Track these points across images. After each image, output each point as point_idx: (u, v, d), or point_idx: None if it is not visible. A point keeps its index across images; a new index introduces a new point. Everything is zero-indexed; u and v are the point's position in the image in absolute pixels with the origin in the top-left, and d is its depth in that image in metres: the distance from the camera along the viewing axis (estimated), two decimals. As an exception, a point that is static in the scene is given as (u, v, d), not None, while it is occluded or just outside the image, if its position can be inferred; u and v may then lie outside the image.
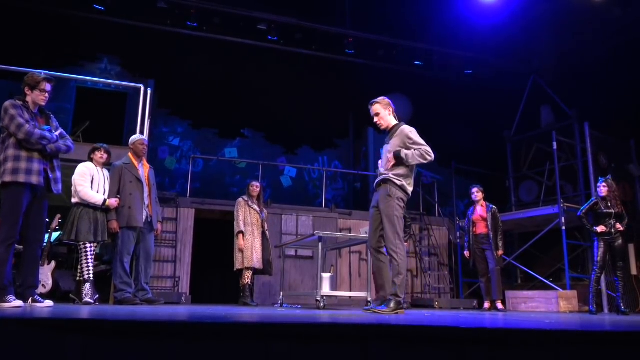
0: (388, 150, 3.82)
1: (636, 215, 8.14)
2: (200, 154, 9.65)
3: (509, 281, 9.27)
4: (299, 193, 9.78)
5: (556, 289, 7.13)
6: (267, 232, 6.48)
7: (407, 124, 3.90)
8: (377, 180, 3.88)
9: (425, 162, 3.71)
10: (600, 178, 6.26)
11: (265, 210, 6.59)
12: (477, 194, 6.81)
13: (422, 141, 3.74)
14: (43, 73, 3.72)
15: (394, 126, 3.90)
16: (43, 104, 3.70)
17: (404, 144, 3.75)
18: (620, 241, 5.92)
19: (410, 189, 3.79)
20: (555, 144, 7.99)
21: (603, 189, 6.06)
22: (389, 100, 3.96)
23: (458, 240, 8.85)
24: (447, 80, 10.78)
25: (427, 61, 10.61)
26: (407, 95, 10.36)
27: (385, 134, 4.00)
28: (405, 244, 4.80)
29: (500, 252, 6.54)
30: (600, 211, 5.95)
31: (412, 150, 3.70)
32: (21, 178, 3.44)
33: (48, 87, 3.67)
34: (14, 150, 3.49)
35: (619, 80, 8.74)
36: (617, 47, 9.09)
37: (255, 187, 6.49)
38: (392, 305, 3.57)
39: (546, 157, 9.30)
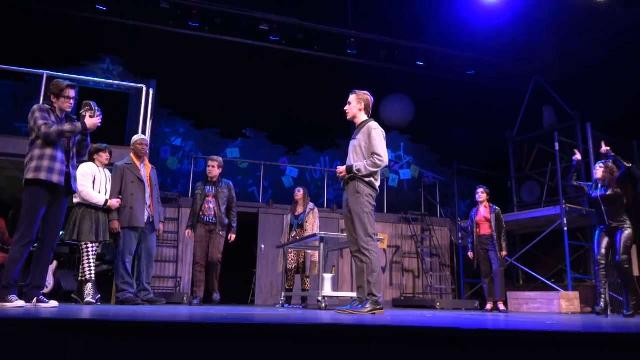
0: (353, 145, 3.87)
1: (638, 217, 8.10)
2: (202, 154, 9.65)
3: (511, 282, 9.25)
4: (300, 193, 9.76)
5: (558, 290, 7.11)
6: None
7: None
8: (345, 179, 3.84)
9: (377, 169, 3.72)
10: (599, 161, 5.93)
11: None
12: (480, 194, 6.80)
13: (380, 143, 3.71)
14: (66, 82, 3.80)
15: (362, 122, 3.92)
16: (69, 110, 3.82)
17: (365, 141, 3.78)
18: (629, 231, 5.40)
19: (377, 183, 3.79)
20: (557, 144, 7.97)
21: (599, 170, 5.66)
22: (369, 98, 3.98)
23: (460, 241, 8.84)
24: (449, 81, 10.76)
25: (429, 62, 10.58)
26: (409, 96, 10.34)
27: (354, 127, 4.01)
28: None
29: (504, 253, 6.54)
30: (590, 196, 5.73)
31: (364, 161, 3.72)
32: (42, 175, 3.53)
33: (72, 93, 3.79)
34: (39, 150, 3.60)
35: (622, 81, 8.71)
36: (619, 48, 9.07)
37: (297, 192, 6.83)
38: (368, 306, 3.50)
39: (548, 157, 9.28)
